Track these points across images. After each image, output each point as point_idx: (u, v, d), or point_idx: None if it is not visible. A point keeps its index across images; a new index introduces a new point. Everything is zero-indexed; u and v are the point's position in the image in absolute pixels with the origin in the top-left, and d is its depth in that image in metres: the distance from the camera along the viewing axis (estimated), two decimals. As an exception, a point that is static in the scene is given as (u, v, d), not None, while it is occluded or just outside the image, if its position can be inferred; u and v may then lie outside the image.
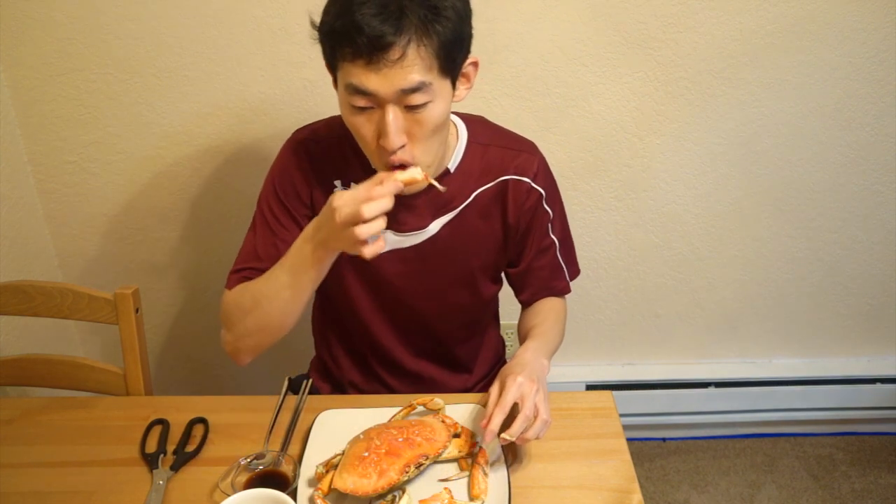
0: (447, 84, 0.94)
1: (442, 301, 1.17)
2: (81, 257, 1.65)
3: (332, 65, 0.94)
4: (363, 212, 0.86)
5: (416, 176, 0.93)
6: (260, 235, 1.10)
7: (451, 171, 1.08)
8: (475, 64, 1.00)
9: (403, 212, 1.09)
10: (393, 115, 0.91)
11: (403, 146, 0.94)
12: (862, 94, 1.56)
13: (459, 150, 1.09)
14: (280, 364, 1.34)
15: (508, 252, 1.17)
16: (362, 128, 0.95)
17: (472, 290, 1.18)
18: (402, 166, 0.94)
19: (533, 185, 1.11)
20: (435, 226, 1.10)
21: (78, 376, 1.24)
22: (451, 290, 1.16)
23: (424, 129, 0.94)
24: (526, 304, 1.22)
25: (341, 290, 1.15)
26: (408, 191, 0.95)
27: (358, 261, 1.11)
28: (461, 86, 1.00)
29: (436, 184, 0.97)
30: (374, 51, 0.86)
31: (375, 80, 0.88)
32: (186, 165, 1.56)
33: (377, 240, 0.90)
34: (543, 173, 1.14)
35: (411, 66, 0.88)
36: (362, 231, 0.87)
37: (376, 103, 0.91)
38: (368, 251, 0.90)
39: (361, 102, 0.91)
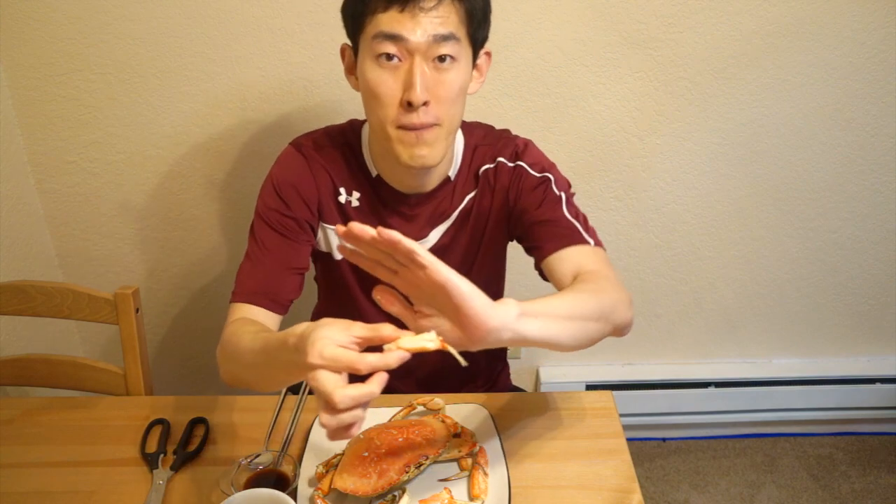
0: (470, 55, 0.95)
1: None
2: (81, 257, 1.65)
3: (358, 28, 0.93)
4: (335, 399, 0.65)
5: (426, 345, 0.70)
6: (263, 240, 1.05)
7: (452, 179, 1.08)
8: (489, 55, 1.01)
9: (403, 223, 1.08)
10: (420, 68, 0.90)
11: (427, 104, 0.92)
12: (862, 94, 1.56)
13: (457, 159, 1.08)
14: (280, 364, 1.34)
15: (512, 235, 1.12)
16: (384, 84, 0.92)
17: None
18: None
19: (508, 163, 1.07)
20: (434, 235, 1.10)
21: (78, 376, 1.24)
22: None
23: (448, 91, 0.92)
24: (550, 269, 1.01)
25: (345, 299, 1.14)
26: (412, 346, 0.70)
27: (362, 272, 1.09)
28: (475, 77, 0.99)
29: (455, 353, 0.72)
30: None
31: (409, 25, 0.88)
32: (186, 165, 1.56)
33: (348, 424, 0.67)
34: (522, 153, 1.08)
35: (445, 16, 0.89)
36: (329, 421, 0.66)
37: (404, 54, 0.90)
38: (331, 432, 0.68)
39: (390, 48, 0.90)
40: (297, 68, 1.46)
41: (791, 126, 1.60)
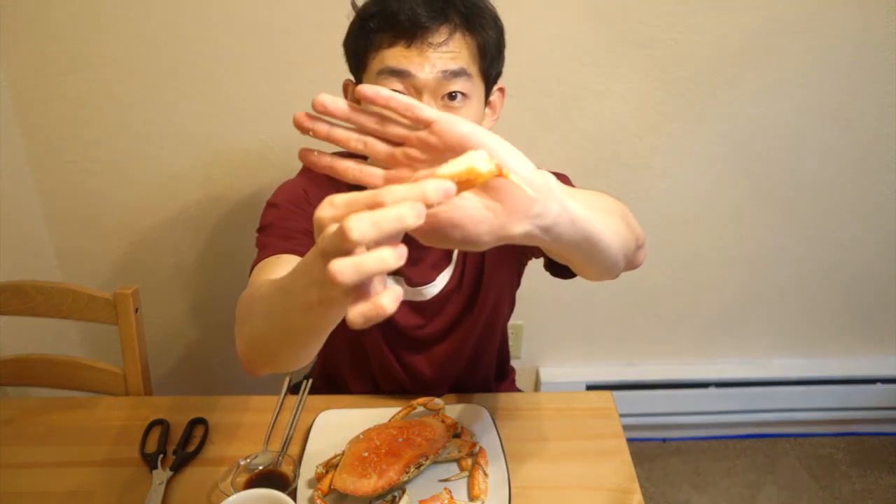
0: (482, 92, 0.90)
1: (460, 343, 1.13)
2: (81, 257, 1.65)
3: (362, 64, 0.89)
4: (349, 225, 0.42)
5: (476, 165, 0.46)
6: (283, 224, 0.94)
7: None
8: (502, 91, 0.97)
9: (407, 267, 1.02)
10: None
11: None
12: (862, 94, 1.56)
13: None
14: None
15: (526, 251, 1.06)
16: None
17: (490, 324, 1.13)
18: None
19: None
20: (441, 279, 1.06)
21: (78, 376, 1.24)
22: (470, 332, 1.12)
23: None
24: None
25: (354, 334, 1.12)
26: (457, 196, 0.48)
27: None
28: (488, 115, 0.95)
29: (519, 181, 0.50)
30: (416, 30, 0.83)
31: (417, 61, 0.83)
32: (186, 165, 1.56)
33: (376, 295, 0.44)
34: None
35: (456, 51, 0.85)
36: (342, 267, 0.42)
37: (411, 91, 0.85)
38: (356, 311, 0.44)
39: (396, 86, 0.84)
40: (297, 68, 1.46)
41: (791, 126, 1.60)
